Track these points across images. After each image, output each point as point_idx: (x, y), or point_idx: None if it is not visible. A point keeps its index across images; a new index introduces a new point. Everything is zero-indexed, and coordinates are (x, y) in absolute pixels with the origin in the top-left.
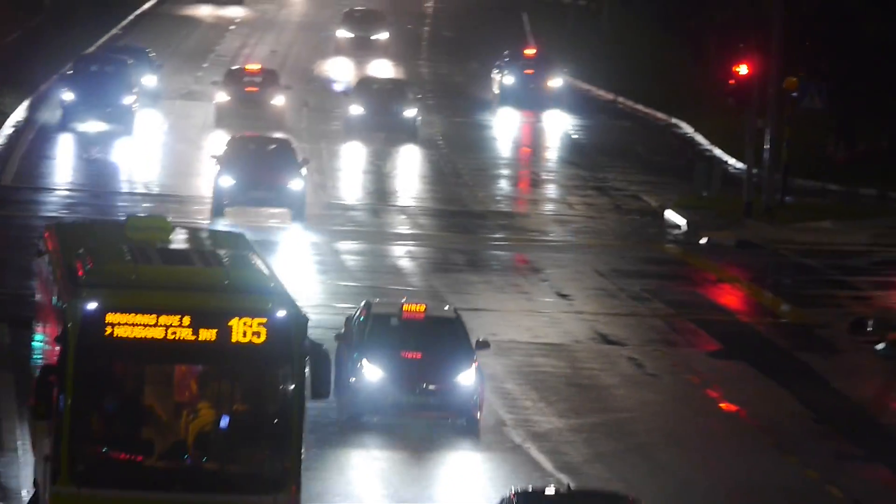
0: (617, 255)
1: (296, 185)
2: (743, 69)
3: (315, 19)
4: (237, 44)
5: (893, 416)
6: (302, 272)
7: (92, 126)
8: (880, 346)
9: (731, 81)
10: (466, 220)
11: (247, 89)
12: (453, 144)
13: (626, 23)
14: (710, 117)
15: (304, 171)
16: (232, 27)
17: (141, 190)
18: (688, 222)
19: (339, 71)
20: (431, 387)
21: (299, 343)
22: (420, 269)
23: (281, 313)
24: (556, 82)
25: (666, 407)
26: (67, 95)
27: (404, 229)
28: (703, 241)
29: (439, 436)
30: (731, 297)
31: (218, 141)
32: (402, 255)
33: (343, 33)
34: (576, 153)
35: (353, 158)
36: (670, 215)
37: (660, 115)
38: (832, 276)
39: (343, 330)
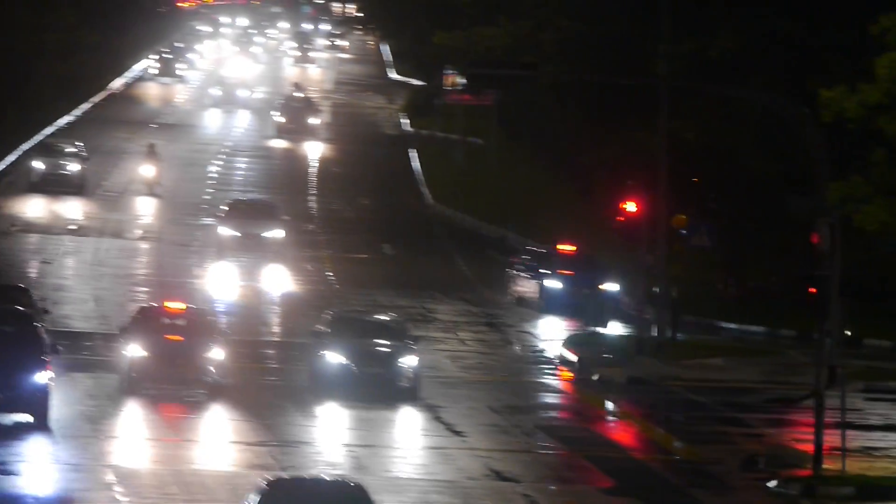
0: (509, 391)
1: (40, 378)
2: (631, 206)
3: (197, 157)
4: (124, 179)
5: None
6: None
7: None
8: (772, 484)
9: (620, 218)
10: None
11: (167, 337)
12: (344, 281)
13: (514, 158)
14: (602, 254)
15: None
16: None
17: None
18: (579, 358)
19: (222, 284)
20: None
21: None
22: (299, 404)
23: None
24: (610, 286)
25: None
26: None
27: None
28: (595, 377)
29: None
30: (623, 434)
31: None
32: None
33: (226, 231)
34: (467, 289)
35: None
36: (562, 351)
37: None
38: (724, 412)
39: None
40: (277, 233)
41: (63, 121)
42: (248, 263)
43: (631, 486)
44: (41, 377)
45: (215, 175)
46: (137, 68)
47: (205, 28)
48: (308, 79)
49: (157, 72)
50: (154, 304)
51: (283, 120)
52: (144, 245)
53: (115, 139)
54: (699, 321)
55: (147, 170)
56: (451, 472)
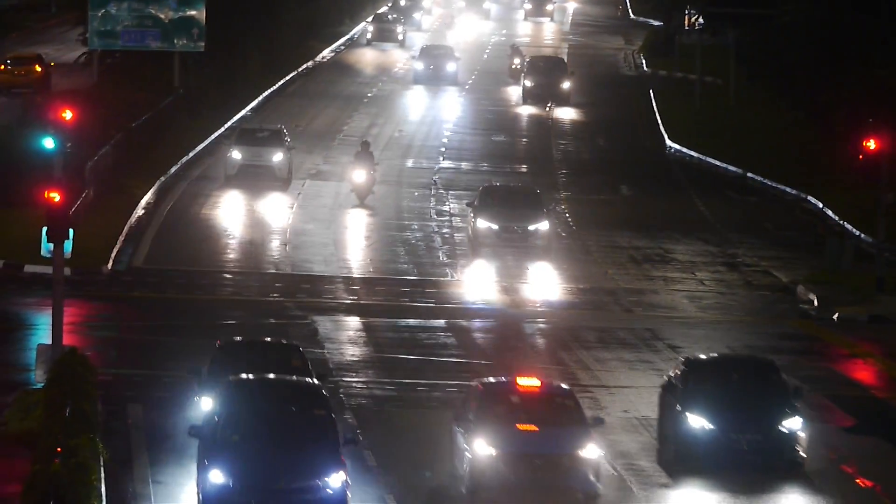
0: (748, 331)
1: (335, 481)
2: (871, 144)
3: (437, 102)
4: (365, 123)
5: None
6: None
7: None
8: None
9: (860, 156)
10: (596, 296)
11: (521, 427)
12: (582, 223)
13: (752, 98)
14: (840, 192)
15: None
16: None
17: (272, 270)
18: (819, 297)
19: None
20: None
21: None
22: (549, 345)
23: None
24: None
25: (801, 481)
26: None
27: (532, 307)
28: (836, 316)
29: None
30: (864, 373)
31: None
32: (532, 332)
33: (483, 223)
34: (705, 229)
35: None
36: (801, 291)
37: (788, 189)
38: None
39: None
40: (542, 225)
41: (304, 66)
42: (511, 264)
43: (873, 425)
44: (336, 480)
45: (453, 119)
46: (362, 25)
47: None
48: (541, 34)
49: (371, 35)
50: (495, 380)
51: (530, 84)
52: (384, 188)
53: (355, 84)
54: None
55: (358, 175)
56: None
